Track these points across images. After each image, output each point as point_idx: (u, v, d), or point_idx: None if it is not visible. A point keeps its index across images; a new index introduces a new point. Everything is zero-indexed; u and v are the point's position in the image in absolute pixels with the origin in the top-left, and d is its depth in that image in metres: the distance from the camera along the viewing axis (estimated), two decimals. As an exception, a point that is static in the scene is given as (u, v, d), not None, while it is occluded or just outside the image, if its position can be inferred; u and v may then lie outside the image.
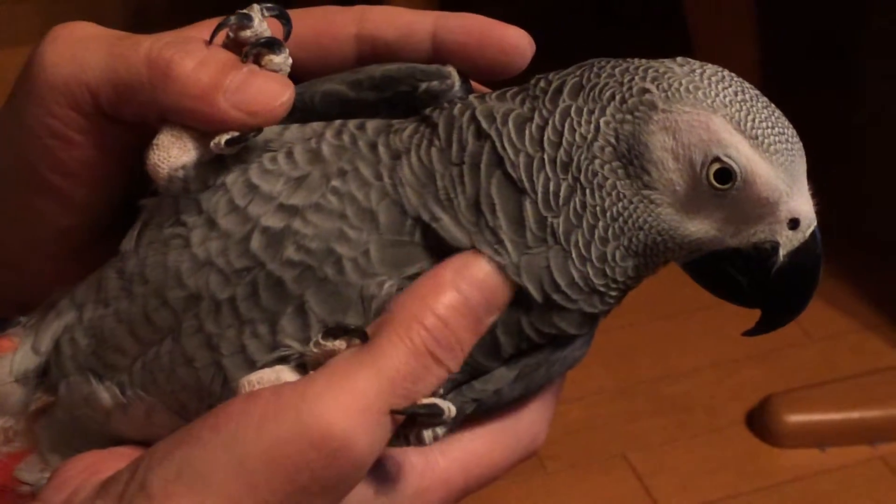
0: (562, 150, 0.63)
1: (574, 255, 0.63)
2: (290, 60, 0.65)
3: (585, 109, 0.63)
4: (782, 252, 0.65)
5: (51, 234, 0.69)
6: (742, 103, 0.63)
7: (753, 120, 0.63)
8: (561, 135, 0.63)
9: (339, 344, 0.60)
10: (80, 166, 0.66)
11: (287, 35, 0.66)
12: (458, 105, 0.65)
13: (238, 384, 0.61)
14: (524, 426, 0.68)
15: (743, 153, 0.63)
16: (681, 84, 0.63)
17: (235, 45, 0.66)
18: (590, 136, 0.63)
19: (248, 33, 0.65)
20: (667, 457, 2.14)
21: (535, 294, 0.63)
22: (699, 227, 0.64)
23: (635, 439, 2.16)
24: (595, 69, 0.65)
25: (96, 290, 0.66)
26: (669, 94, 0.63)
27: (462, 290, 0.61)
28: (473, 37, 0.68)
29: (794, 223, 0.65)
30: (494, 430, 0.67)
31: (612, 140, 0.63)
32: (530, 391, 0.66)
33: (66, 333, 0.66)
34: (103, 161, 0.66)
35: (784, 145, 0.64)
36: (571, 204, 0.63)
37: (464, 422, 0.65)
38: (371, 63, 0.68)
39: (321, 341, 0.60)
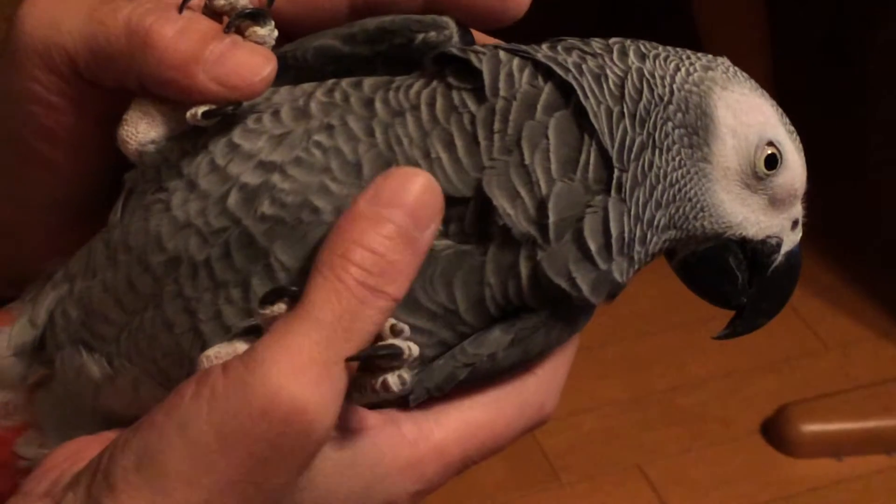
0: (641, 106, 0.63)
1: (632, 212, 0.62)
2: (276, 33, 0.63)
3: (657, 73, 0.64)
4: (782, 250, 0.68)
5: (44, 204, 0.68)
6: (773, 100, 0.67)
7: (786, 117, 0.67)
8: (640, 92, 0.63)
9: (279, 307, 0.57)
10: (65, 132, 0.64)
11: (271, 1, 0.64)
12: (501, 52, 0.63)
13: (198, 360, 0.60)
14: (530, 394, 0.64)
15: (788, 142, 0.66)
16: (735, 70, 0.66)
17: (213, 14, 0.63)
18: (666, 98, 0.63)
19: (221, 2, 0.63)
20: (682, 467, 2.13)
21: (552, 232, 0.60)
22: (735, 210, 0.66)
23: (650, 450, 2.15)
24: (642, 42, 0.65)
25: (86, 261, 0.65)
26: (729, 75, 0.65)
27: (385, 215, 0.57)
28: None
29: (795, 224, 0.68)
30: (496, 397, 0.64)
31: (684, 106, 0.64)
32: (529, 357, 0.64)
33: (59, 305, 0.66)
34: (86, 127, 0.65)
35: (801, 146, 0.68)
36: (640, 161, 0.62)
37: (462, 390, 0.63)
38: (365, 17, 0.66)
39: (259, 310, 0.58)
